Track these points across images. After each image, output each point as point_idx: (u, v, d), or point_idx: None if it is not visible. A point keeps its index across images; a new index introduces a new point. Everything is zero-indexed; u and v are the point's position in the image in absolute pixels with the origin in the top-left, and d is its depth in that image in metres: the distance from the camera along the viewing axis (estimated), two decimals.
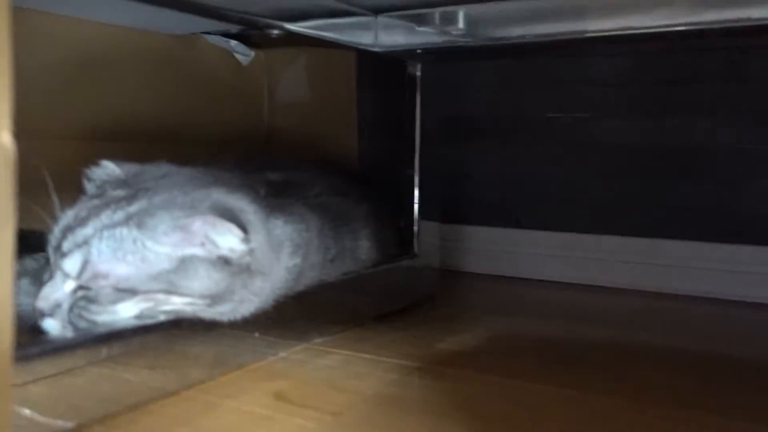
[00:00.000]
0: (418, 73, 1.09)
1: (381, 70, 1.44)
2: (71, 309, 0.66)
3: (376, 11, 0.98)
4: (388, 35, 1.02)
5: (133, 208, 0.69)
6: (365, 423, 0.64)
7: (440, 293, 1.16)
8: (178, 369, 0.70)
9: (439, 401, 0.69)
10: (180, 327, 0.69)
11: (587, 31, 0.91)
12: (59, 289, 0.67)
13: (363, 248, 0.97)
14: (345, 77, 1.53)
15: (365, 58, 1.49)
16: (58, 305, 0.67)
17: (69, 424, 0.60)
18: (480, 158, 1.39)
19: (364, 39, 1.01)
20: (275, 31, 0.96)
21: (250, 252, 0.71)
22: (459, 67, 1.39)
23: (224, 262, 0.69)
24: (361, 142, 1.52)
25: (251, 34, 1.45)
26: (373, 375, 0.76)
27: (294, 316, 0.86)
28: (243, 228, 0.69)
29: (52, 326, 0.67)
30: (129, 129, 1.24)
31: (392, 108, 1.19)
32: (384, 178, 1.35)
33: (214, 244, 0.68)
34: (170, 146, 1.32)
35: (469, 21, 0.97)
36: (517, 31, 0.94)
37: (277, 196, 0.86)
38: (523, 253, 1.34)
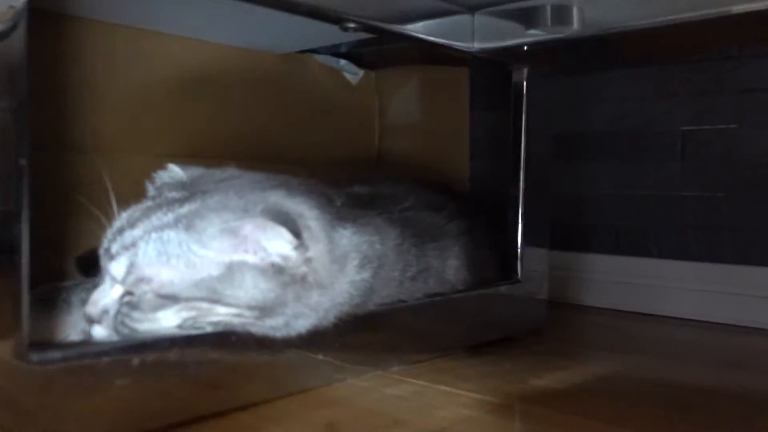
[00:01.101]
0: (525, 80, 0.98)
1: (493, 89, 1.35)
2: (116, 315, 0.62)
3: (472, 8, 0.90)
4: (490, 36, 0.93)
5: (184, 209, 0.64)
6: None
7: (549, 327, 1.02)
8: (225, 387, 0.64)
9: None
10: (229, 340, 0.63)
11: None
12: (107, 295, 0.63)
13: (451, 268, 0.87)
14: (457, 97, 1.45)
15: (478, 76, 1.41)
16: (105, 311, 0.63)
17: None
18: (600, 178, 1.24)
19: (464, 41, 0.92)
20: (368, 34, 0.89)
21: (307, 261, 0.64)
22: (576, 81, 1.26)
23: (277, 270, 0.63)
24: (472, 165, 1.43)
25: (361, 52, 1.42)
26: (444, 409, 0.66)
27: (370, 339, 0.77)
28: (296, 233, 0.62)
29: (100, 333, 0.63)
30: (237, 148, 1.23)
31: (504, 128, 1.09)
32: (493, 200, 1.24)
33: (264, 250, 0.62)
34: (277, 166, 1.30)
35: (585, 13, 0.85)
36: (642, 14, 0.81)
37: (357, 208, 0.79)
38: (652, 285, 1.17)
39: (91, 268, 0.94)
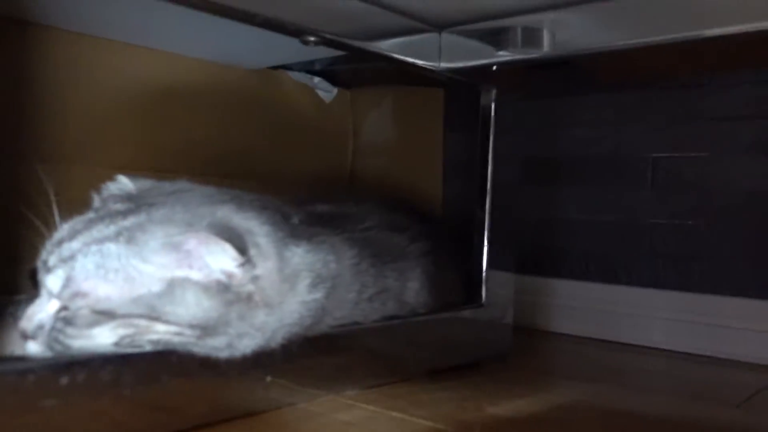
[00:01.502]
0: (492, 101, 0.97)
1: (467, 110, 1.34)
2: (50, 331, 0.60)
3: (440, 27, 0.89)
4: (458, 56, 0.92)
5: (128, 222, 0.61)
6: None
7: (515, 353, 1.00)
8: (164, 409, 0.61)
9: None
10: (169, 360, 0.60)
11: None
12: (43, 310, 0.60)
13: (411, 290, 0.85)
14: (431, 118, 1.44)
15: (452, 97, 1.40)
16: (40, 327, 0.60)
17: None
18: (571, 203, 1.23)
19: (431, 60, 0.91)
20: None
21: (254, 279, 0.62)
22: (546, 105, 1.25)
23: (221, 288, 0.60)
24: (446, 186, 1.41)
25: (335, 70, 1.41)
26: None
27: (323, 361, 0.75)
28: (242, 250, 0.60)
29: (34, 350, 0.60)
30: (205, 164, 1.21)
31: (476, 150, 1.08)
32: (465, 223, 1.22)
33: (208, 266, 0.59)
34: (245, 183, 1.28)
35: (556, 33, 0.84)
36: (614, 37, 0.80)
37: (315, 226, 0.76)
38: (621, 313, 1.15)
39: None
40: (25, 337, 0.60)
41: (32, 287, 0.96)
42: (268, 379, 0.68)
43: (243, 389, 0.67)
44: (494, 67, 0.92)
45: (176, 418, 0.62)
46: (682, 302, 1.10)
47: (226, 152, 1.25)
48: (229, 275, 0.60)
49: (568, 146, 1.23)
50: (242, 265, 0.60)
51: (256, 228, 0.65)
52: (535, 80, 1.15)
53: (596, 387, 0.89)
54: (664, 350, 1.11)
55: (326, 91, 1.39)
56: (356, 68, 1.42)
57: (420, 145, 1.46)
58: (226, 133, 1.26)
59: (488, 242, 0.97)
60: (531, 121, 1.25)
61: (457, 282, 0.95)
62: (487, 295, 0.97)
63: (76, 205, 0.66)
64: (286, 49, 1.14)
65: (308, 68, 1.36)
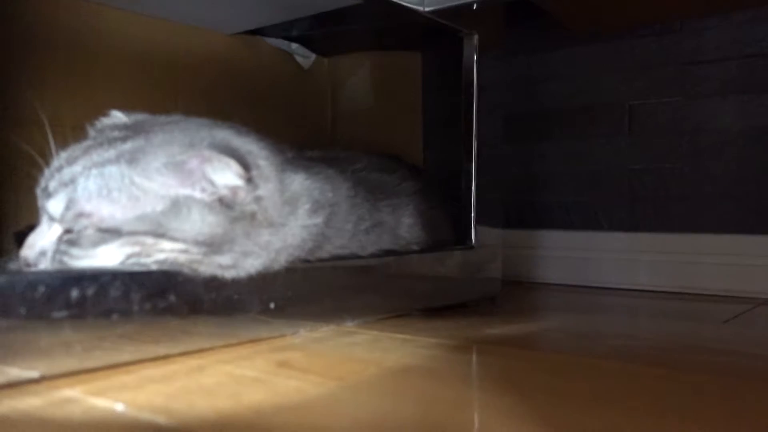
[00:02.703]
0: (476, 47, 0.99)
1: (446, 70, 1.35)
2: (54, 255, 0.59)
3: None
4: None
5: (127, 146, 0.61)
6: (373, 387, 0.52)
7: (505, 299, 1.02)
8: (169, 331, 0.61)
9: (473, 371, 0.56)
10: (176, 279, 0.60)
11: None
12: (44, 236, 0.60)
13: (405, 225, 0.86)
14: (410, 82, 1.45)
15: (430, 61, 1.41)
16: (43, 254, 0.60)
17: (33, 374, 0.52)
18: (548, 155, 1.25)
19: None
20: None
21: (257, 200, 0.62)
22: (524, 60, 1.27)
23: (225, 205, 0.60)
24: (426, 150, 1.42)
25: (313, 36, 1.41)
26: (401, 350, 0.64)
27: (323, 294, 0.75)
28: (245, 166, 0.60)
29: None
30: None
31: (454, 112, 1.09)
32: (447, 182, 1.24)
33: (211, 183, 0.60)
34: None
35: None
36: None
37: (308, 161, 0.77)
38: (605, 258, 1.18)
39: None
40: (27, 265, 0.60)
41: (17, 250, 0.95)
42: (272, 305, 0.69)
43: (247, 313, 0.67)
44: (474, 6, 0.93)
45: (183, 338, 0.62)
46: (663, 243, 1.13)
47: (203, 118, 1.24)
48: (234, 191, 0.60)
49: (545, 100, 1.26)
50: (247, 181, 0.60)
51: (256, 151, 0.65)
52: (510, 36, 1.17)
53: (584, 316, 0.91)
54: (649, 291, 1.13)
55: (304, 57, 1.39)
56: (333, 34, 1.42)
57: (399, 110, 1.47)
58: (201, 98, 1.25)
59: (476, 188, 0.98)
60: (508, 77, 1.27)
61: (447, 222, 0.96)
62: (476, 238, 0.98)
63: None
64: (262, 11, 1.15)
65: (286, 34, 1.36)
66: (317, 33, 1.38)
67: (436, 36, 1.21)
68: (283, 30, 1.34)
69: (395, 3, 0.88)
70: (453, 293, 0.94)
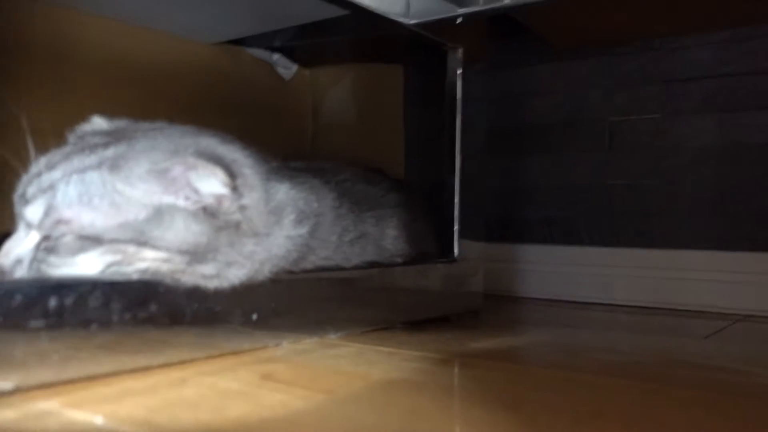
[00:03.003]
0: (460, 60, 0.99)
1: (428, 83, 1.36)
2: (31, 263, 0.58)
3: None
4: (424, 12, 0.93)
5: (109, 152, 0.60)
6: (359, 401, 0.51)
7: (485, 311, 1.01)
8: (150, 341, 0.60)
9: (458, 385, 0.56)
10: (157, 290, 0.59)
11: None
12: (21, 243, 0.58)
13: (389, 237, 0.85)
14: (391, 95, 1.45)
15: (412, 73, 1.42)
16: (19, 261, 0.58)
17: (7, 385, 0.50)
18: (529, 170, 1.26)
19: (396, 8, 0.92)
20: None
21: (241, 209, 0.61)
22: (507, 76, 1.28)
23: (209, 214, 0.59)
24: (407, 162, 1.42)
25: (294, 47, 1.41)
26: (387, 363, 0.63)
27: (306, 305, 0.74)
28: (231, 174, 0.59)
29: None
30: None
31: (437, 126, 1.10)
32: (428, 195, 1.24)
33: (196, 192, 0.59)
34: None
35: None
36: None
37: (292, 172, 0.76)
38: (584, 273, 1.18)
39: None
40: (2, 273, 0.58)
41: None
42: (254, 317, 0.67)
43: (230, 324, 0.66)
44: (459, 20, 0.93)
45: (160, 352, 0.60)
46: (642, 258, 1.14)
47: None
48: (219, 200, 0.59)
49: (526, 115, 1.26)
50: (233, 189, 0.59)
51: (241, 159, 0.65)
52: (493, 51, 1.18)
53: (566, 330, 0.92)
54: (628, 306, 1.14)
55: (285, 68, 1.39)
56: (315, 45, 1.42)
57: (380, 122, 1.47)
58: (182, 108, 1.24)
59: (459, 201, 0.98)
60: (490, 93, 1.27)
61: (430, 235, 0.96)
62: (459, 252, 0.98)
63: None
64: (244, 20, 1.14)
65: (267, 44, 1.35)
66: (299, 44, 1.38)
67: (419, 49, 1.22)
68: (265, 40, 1.34)
69: (380, 15, 0.88)
70: (436, 306, 0.93)
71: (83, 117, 1.07)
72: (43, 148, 0.65)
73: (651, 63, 1.15)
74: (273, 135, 1.40)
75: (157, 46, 1.18)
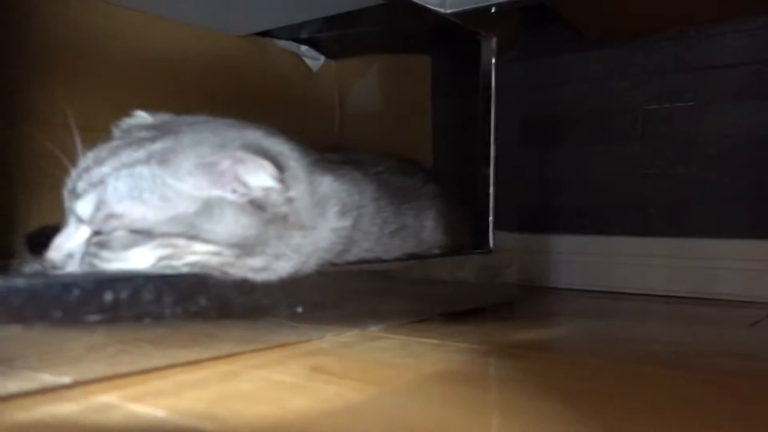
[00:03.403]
0: (494, 50, 0.98)
1: (459, 72, 1.35)
2: (83, 258, 0.58)
3: None
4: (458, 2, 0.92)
5: (157, 146, 0.60)
6: (414, 393, 0.51)
7: (520, 304, 1.01)
8: (199, 335, 0.60)
9: (509, 376, 0.55)
10: (206, 283, 0.59)
11: None
12: (72, 238, 0.59)
13: (428, 228, 0.85)
14: (419, 85, 1.44)
15: (440, 63, 1.41)
16: (70, 256, 0.59)
17: (66, 380, 0.51)
18: (562, 159, 1.25)
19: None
20: None
21: (288, 201, 0.61)
22: (535, 65, 1.27)
23: (257, 207, 0.59)
24: (435, 153, 1.42)
25: (321, 39, 1.40)
26: (433, 355, 0.63)
27: (346, 298, 0.74)
28: (279, 167, 0.59)
29: None
30: None
31: (468, 116, 1.09)
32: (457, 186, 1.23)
33: (245, 185, 0.59)
34: None
35: None
36: None
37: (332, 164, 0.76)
38: (617, 263, 1.17)
39: (41, 246, 0.88)
40: (54, 267, 0.59)
41: (27, 253, 0.94)
42: (299, 309, 0.68)
43: (275, 318, 0.66)
44: (493, 9, 0.92)
45: (212, 343, 0.61)
46: (675, 247, 1.13)
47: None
48: (267, 192, 0.59)
49: (558, 104, 1.25)
50: (281, 182, 0.59)
51: (287, 152, 0.65)
52: (525, 39, 1.17)
53: (606, 321, 0.91)
54: (661, 296, 1.13)
55: (313, 60, 1.38)
56: (342, 37, 1.42)
57: (407, 113, 1.46)
58: (212, 100, 1.24)
59: (494, 192, 0.98)
60: (521, 82, 1.27)
61: (466, 226, 0.96)
62: (494, 243, 0.98)
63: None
64: (273, 12, 1.14)
65: (295, 36, 1.35)
66: (326, 35, 1.38)
67: (448, 39, 1.21)
68: (292, 31, 1.33)
69: (417, 4, 0.88)
70: (472, 298, 0.93)
71: (110, 110, 1.08)
72: (64, 143, 0.65)
73: (685, 51, 1.14)
74: (300, 126, 1.39)
75: (186, 38, 1.18)
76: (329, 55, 1.43)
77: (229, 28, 1.22)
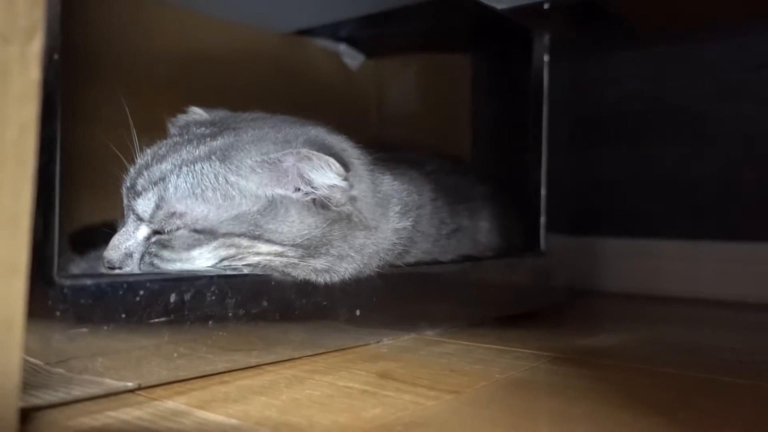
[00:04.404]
0: (547, 47, 0.95)
1: (501, 72, 1.32)
2: (142, 258, 0.56)
3: None
4: None
5: (218, 143, 0.58)
6: (493, 402, 0.48)
7: (569, 306, 0.98)
8: (261, 339, 0.58)
9: (588, 386, 0.53)
10: (268, 284, 0.57)
11: None
12: (131, 237, 0.57)
13: (482, 230, 0.83)
14: (458, 84, 1.42)
15: (482, 60, 1.38)
16: (129, 255, 0.57)
17: (129, 385, 0.49)
18: (611, 161, 1.22)
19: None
20: None
21: (352, 200, 0.59)
22: (590, 63, 1.24)
23: (320, 206, 0.57)
24: (474, 153, 1.39)
25: (360, 38, 1.38)
26: (500, 362, 0.61)
27: (406, 302, 0.72)
28: (344, 164, 0.57)
29: None
30: None
31: (514, 115, 1.06)
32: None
33: (309, 183, 0.56)
34: None
35: None
36: None
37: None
38: (666, 267, 1.14)
39: (85, 245, 0.87)
40: (111, 267, 0.57)
41: (70, 250, 0.92)
42: (358, 312, 0.65)
43: (334, 321, 0.64)
44: (546, 5, 0.90)
45: (273, 347, 0.59)
46: (728, 252, 1.09)
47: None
48: (332, 191, 0.57)
49: (609, 105, 1.22)
50: (346, 180, 0.57)
51: (349, 149, 0.63)
52: (576, 37, 1.13)
53: (665, 327, 0.88)
54: (712, 300, 1.09)
55: (352, 58, 1.36)
56: (380, 35, 1.39)
57: (446, 113, 1.43)
58: (252, 97, 1.22)
59: (546, 193, 0.95)
60: (572, 81, 1.23)
61: (518, 227, 0.93)
62: (545, 245, 0.95)
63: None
64: (313, 10, 1.12)
65: (334, 35, 1.33)
66: (366, 34, 1.36)
67: (496, 36, 1.18)
68: (332, 30, 1.32)
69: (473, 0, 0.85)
70: (524, 301, 0.90)
71: (153, 107, 1.07)
72: (113, 139, 0.63)
73: (741, 49, 1.10)
74: (338, 124, 1.38)
75: (228, 35, 1.17)
76: (368, 54, 1.41)
77: (270, 25, 1.20)
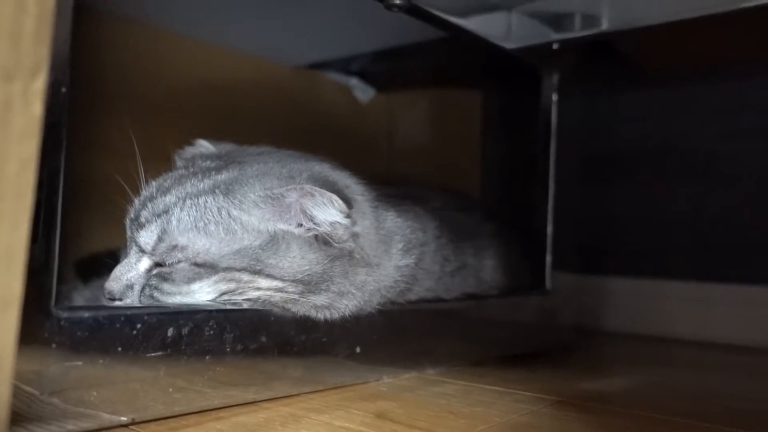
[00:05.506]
0: (556, 86, 0.96)
1: (511, 110, 1.33)
2: (143, 290, 0.56)
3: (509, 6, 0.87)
4: (521, 37, 0.90)
5: (222, 177, 0.59)
6: None
7: (576, 347, 0.97)
8: (257, 374, 0.57)
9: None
10: (267, 319, 0.57)
11: None
12: (132, 269, 0.57)
13: (487, 268, 0.82)
14: (467, 120, 1.43)
15: (491, 97, 1.39)
16: (130, 287, 0.57)
17: (123, 419, 0.49)
18: (620, 199, 1.21)
19: (498, 32, 0.89)
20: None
21: (354, 237, 0.59)
22: (599, 102, 1.24)
23: (322, 242, 0.57)
24: (484, 189, 1.39)
25: (371, 72, 1.40)
26: (501, 404, 0.60)
27: (407, 340, 0.71)
28: (347, 201, 0.57)
29: None
30: None
31: (523, 152, 1.06)
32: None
33: (312, 219, 0.56)
34: None
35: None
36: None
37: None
38: (675, 309, 1.12)
39: (90, 273, 0.87)
40: (112, 299, 0.57)
41: (76, 278, 0.93)
42: (358, 349, 0.65)
43: (334, 358, 0.63)
44: (555, 45, 0.90)
45: (270, 383, 0.58)
46: (739, 294, 1.08)
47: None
48: (334, 227, 0.57)
49: (618, 143, 1.22)
50: (348, 216, 0.57)
51: (353, 185, 0.63)
52: (584, 76, 1.14)
53: (675, 371, 0.86)
54: (721, 344, 1.07)
55: (363, 92, 1.37)
56: (392, 70, 1.41)
57: (457, 148, 1.44)
58: (262, 129, 1.23)
59: (552, 231, 0.94)
60: (581, 119, 1.24)
61: (523, 265, 0.92)
62: (551, 284, 0.94)
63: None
64: (326, 44, 1.14)
65: (346, 69, 1.35)
66: (377, 68, 1.37)
67: (506, 74, 1.19)
68: (343, 65, 1.33)
69: (482, 38, 0.86)
70: (528, 340, 0.89)
71: (164, 137, 1.08)
72: (122, 169, 0.64)
73: (748, 89, 1.10)
74: (349, 158, 1.39)
75: (240, 66, 1.18)
76: (379, 88, 1.42)
77: (283, 58, 1.22)
